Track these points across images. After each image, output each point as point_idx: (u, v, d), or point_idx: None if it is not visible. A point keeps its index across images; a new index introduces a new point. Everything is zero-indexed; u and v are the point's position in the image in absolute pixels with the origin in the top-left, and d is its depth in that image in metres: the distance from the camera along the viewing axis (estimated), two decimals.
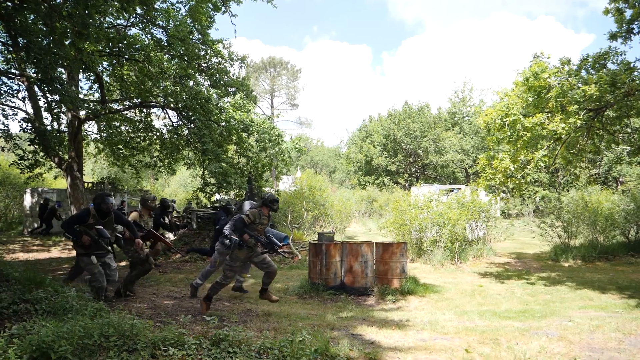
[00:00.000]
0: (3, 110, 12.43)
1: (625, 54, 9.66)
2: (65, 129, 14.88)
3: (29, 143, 13.57)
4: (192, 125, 14.65)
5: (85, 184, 17.23)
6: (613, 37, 9.92)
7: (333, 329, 5.16)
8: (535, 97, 9.76)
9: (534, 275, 10.64)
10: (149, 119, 16.62)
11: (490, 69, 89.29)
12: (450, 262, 12.09)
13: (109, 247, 6.40)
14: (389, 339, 4.68)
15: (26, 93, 13.81)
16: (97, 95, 15.59)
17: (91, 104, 14.53)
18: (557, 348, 4.30)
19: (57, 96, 10.71)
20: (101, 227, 6.11)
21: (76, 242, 6.19)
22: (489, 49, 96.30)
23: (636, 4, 9.55)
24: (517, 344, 4.44)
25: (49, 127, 13.79)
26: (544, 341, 4.49)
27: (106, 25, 12.90)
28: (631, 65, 8.96)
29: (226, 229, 7.46)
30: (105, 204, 6.30)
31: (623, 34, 9.79)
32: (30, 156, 14.01)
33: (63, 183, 18.65)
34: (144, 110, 16.13)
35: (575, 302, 7.68)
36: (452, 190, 18.92)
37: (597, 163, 27.57)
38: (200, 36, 14.54)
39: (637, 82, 8.64)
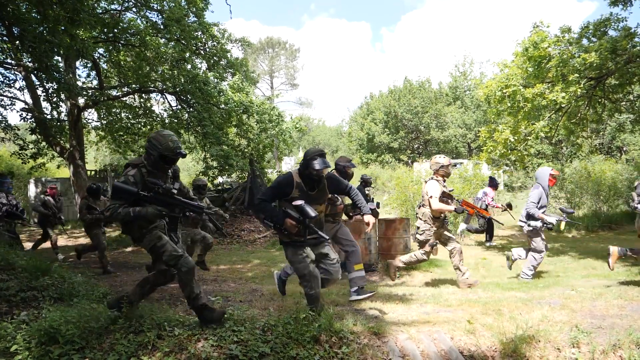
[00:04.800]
0: (1, 100, 12.39)
1: (626, 20, 9.50)
2: (65, 118, 14.88)
3: (30, 132, 13.59)
4: (191, 109, 14.62)
5: (88, 172, 17.30)
6: (614, 2, 9.75)
7: (337, 305, 5.21)
8: (536, 67, 9.66)
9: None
10: (148, 105, 16.58)
11: (491, 41, 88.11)
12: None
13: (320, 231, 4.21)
14: (392, 313, 4.72)
15: (24, 82, 13.77)
16: (95, 82, 15.55)
17: (89, 91, 14.49)
18: (559, 316, 4.34)
19: (54, 84, 10.68)
20: (301, 203, 3.98)
21: (279, 229, 4.19)
22: (489, 20, 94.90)
23: None
24: (520, 313, 4.48)
25: (48, 116, 13.79)
26: (547, 310, 4.52)
27: (100, 10, 12.79)
28: (632, 31, 8.82)
29: (531, 209, 6.74)
30: (314, 168, 4.09)
31: None
32: (31, 146, 14.04)
33: (66, 172, 18.71)
34: (143, 95, 16.09)
35: (578, 272, 7.73)
36: (455, 165, 18.90)
37: (601, 133, 27.38)
38: (195, 19, 14.41)
39: (638, 48, 8.52)
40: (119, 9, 13.71)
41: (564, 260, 8.83)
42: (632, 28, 9.01)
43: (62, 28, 8.80)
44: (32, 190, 18.76)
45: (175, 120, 15.64)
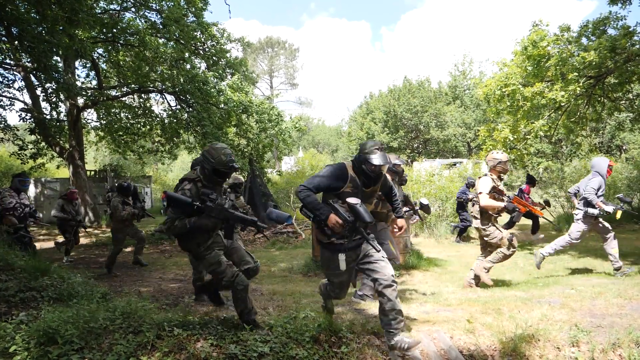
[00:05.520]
0: (0, 100, 12.38)
1: (625, 19, 9.49)
2: (65, 118, 14.88)
3: (29, 133, 13.58)
4: (190, 108, 14.61)
5: (88, 172, 17.29)
6: (613, 1, 9.75)
7: (337, 304, 5.21)
8: (535, 66, 9.66)
9: (537, 246, 10.67)
10: (147, 105, 16.58)
11: (490, 40, 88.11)
12: (453, 235, 12.13)
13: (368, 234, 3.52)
14: None
15: (23, 83, 13.77)
16: (94, 82, 15.55)
17: (89, 91, 14.49)
18: (559, 315, 4.33)
19: (53, 84, 10.67)
20: (358, 203, 3.35)
21: (318, 224, 3.57)
22: (489, 19, 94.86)
23: None
24: (519, 312, 4.48)
25: (48, 116, 13.80)
26: (546, 309, 4.52)
27: (99, 10, 12.78)
28: (631, 29, 8.82)
29: (590, 196, 6.51)
30: (373, 163, 3.52)
31: None
32: (31, 146, 14.03)
33: (66, 172, 18.71)
34: (142, 95, 16.08)
35: (578, 271, 7.72)
36: (455, 165, 18.90)
37: (600, 131, 27.37)
38: (194, 18, 14.41)
39: (637, 46, 8.52)
40: (118, 9, 13.69)
41: (563, 259, 8.83)
42: (631, 27, 9.00)
43: (61, 28, 8.80)
44: (31, 190, 18.74)
45: (175, 120, 15.63)
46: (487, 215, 6.02)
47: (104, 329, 3.39)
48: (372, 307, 5.01)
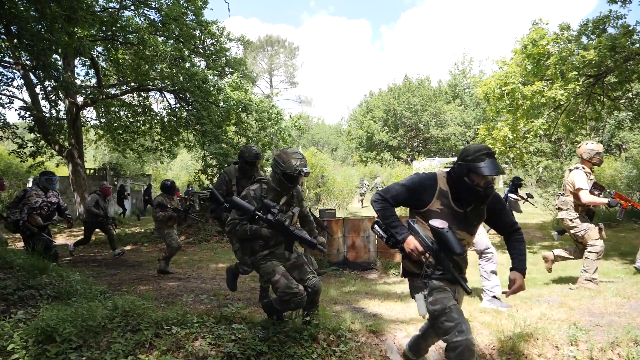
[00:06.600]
0: None
1: (625, 18, 9.50)
2: (64, 116, 14.88)
3: (28, 131, 13.56)
4: (190, 107, 14.61)
5: (87, 171, 17.28)
6: (613, 0, 9.74)
7: (336, 303, 5.21)
8: (535, 64, 9.66)
9: (537, 245, 10.68)
10: (147, 103, 16.59)
11: (490, 39, 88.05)
12: None
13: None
14: (390, 311, 4.72)
15: (22, 81, 13.76)
16: (94, 80, 15.54)
17: (88, 89, 14.48)
18: (557, 314, 4.34)
19: (52, 82, 10.66)
20: (445, 228, 2.65)
21: (395, 246, 2.94)
22: (488, 18, 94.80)
23: None
24: (518, 311, 4.48)
25: (47, 115, 13.79)
26: (545, 308, 4.52)
27: (98, 8, 12.76)
28: (630, 28, 8.82)
29: None
30: (481, 173, 2.64)
31: None
32: (30, 144, 14.03)
33: (65, 170, 18.68)
34: (142, 94, 16.08)
35: (578, 269, 7.70)
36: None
37: (600, 130, 27.38)
38: (194, 17, 14.40)
39: (637, 45, 8.52)
40: (117, 7, 13.68)
41: None
42: (631, 25, 9.00)
43: (60, 26, 8.79)
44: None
45: (174, 119, 15.63)
46: (574, 207, 5.67)
47: (102, 328, 3.39)
48: (370, 306, 5.01)
